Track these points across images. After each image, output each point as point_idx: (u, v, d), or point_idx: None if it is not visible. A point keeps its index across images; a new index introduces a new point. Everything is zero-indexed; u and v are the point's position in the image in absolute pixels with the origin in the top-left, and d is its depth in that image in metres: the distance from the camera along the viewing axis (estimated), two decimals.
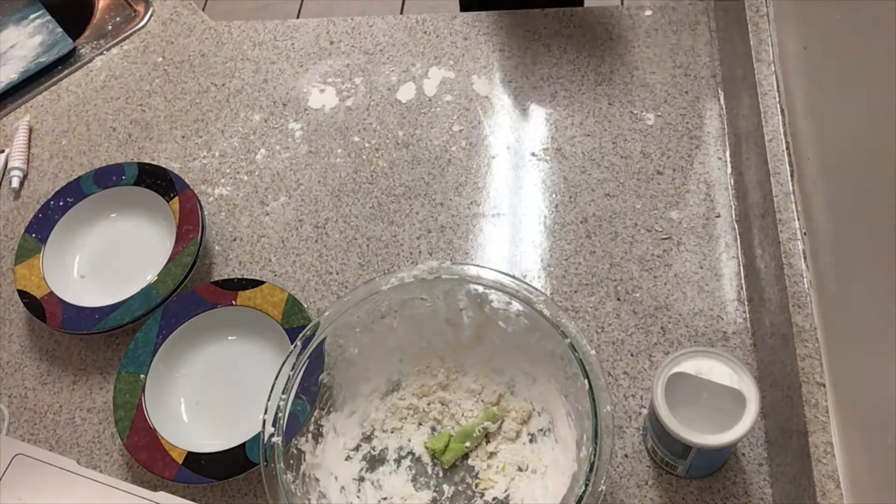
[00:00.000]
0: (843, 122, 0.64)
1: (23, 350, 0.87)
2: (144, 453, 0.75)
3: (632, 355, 0.79)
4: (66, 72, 1.06)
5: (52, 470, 0.76)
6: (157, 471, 0.74)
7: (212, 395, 0.81)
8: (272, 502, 0.64)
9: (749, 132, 0.81)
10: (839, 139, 0.66)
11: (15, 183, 0.97)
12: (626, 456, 0.74)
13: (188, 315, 0.82)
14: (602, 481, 0.61)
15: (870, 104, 0.59)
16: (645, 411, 0.75)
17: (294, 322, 0.80)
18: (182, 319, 0.82)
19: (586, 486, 0.61)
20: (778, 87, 0.79)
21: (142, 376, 0.79)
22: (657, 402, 0.65)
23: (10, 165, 0.98)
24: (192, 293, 0.83)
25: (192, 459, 0.74)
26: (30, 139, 1.01)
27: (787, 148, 0.75)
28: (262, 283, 0.82)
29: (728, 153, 0.88)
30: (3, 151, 1.00)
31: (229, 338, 0.83)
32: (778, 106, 0.77)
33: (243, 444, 0.74)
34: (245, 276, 0.86)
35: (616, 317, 0.81)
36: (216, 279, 0.85)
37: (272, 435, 0.67)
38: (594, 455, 0.62)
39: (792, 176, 0.74)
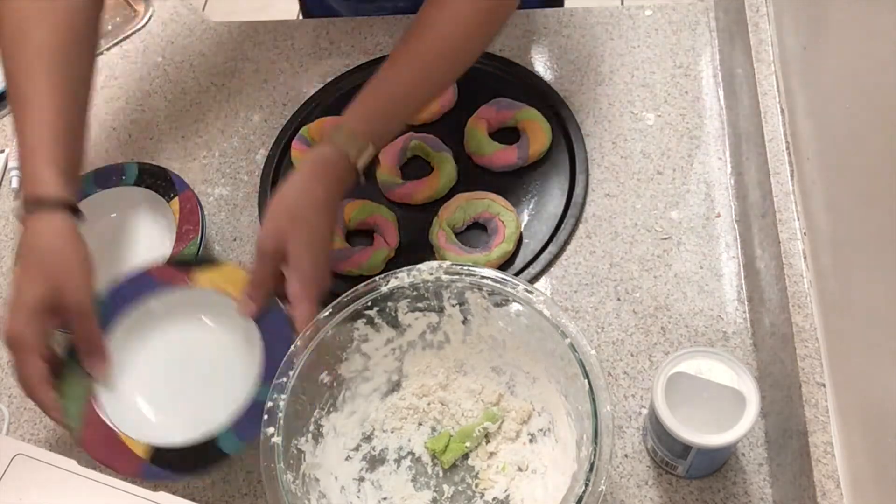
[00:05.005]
0: (843, 122, 0.64)
1: None
2: (104, 450, 0.70)
3: (632, 355, 0.79)
4: None
5: (52, 470, 0.76)
6: (120, 468, 0.69)
7: (174, 383, 0.76)
8: (272, 502, 0.64)
9: (749, 132, 0.81)
10: (839, 139, 0.66)
11: (15, 183, 0.97)
12: (626, 456, 0.74)
13: (139, 297, 0.76)
14: (602, 481, 0.61)
15: (870, 104, 0.59)
16: (645, 411, 0.76)
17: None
18: (132, 302, 0.76)
19: (586, 486, 0.61)
20: (778, 87, 0.79)
21: None
22: (657, 402, 0.65)
23: (10, 165, 0.98)
24: (143, 274, 0.77)
25: (158, 454, 0.70)
26: None
27: (787, 148, 0.75)
28: (220, 262, 0.79)
29: (728, 153, 0.89)
30: (3, 151, 1.00)
31: (189, 321, 0.77)
32: (778, 106, 0.77)
33: (214, 436, 0.70)
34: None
35: (616, 317, 0.81)
36: (170, 258, 0.81)
37: (272, 435, 0.67)
38: (594, 455, 0.62)
39: (792, 176, 0.74)
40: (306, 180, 0.73)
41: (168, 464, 0.69)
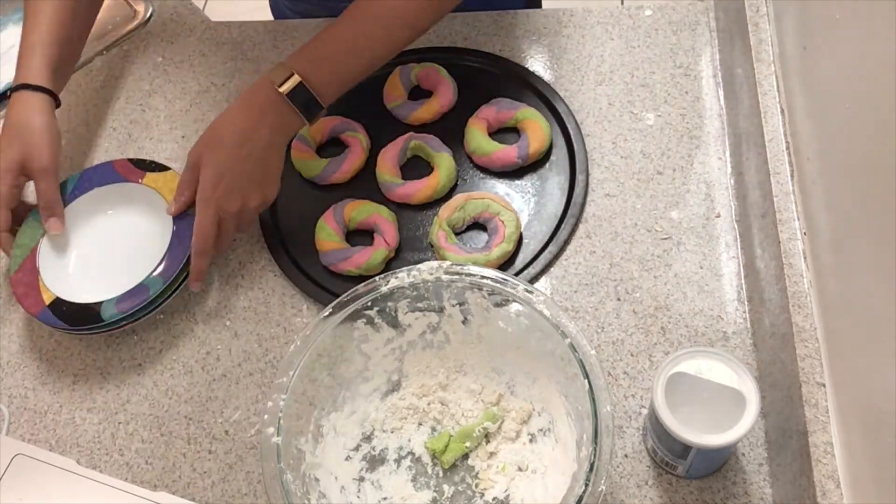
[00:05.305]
0: (843, 122, 0.64)
1: (23, 350, 0.87)
2: (22, 288, 0.84)
3: (632, 355, 0.79)
4: None
5: (52, 470, 0.76)
6: (27, 306, 0.83)
7: (100, 256, 0.88)
8: (272, 502, 0.64)
9: (749, 132, 0.81)
10: (839, 139, 0.66)
11: None
12: (626, 456, 0.74)
13: (101, 182, 0.90)
14: (602, 481, 0.61)
15: (870, 104, 0.59)
16: (645, 411, 0.76)
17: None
18: (95, 185, 0.90)
19: (586, 486, 0.61)
20: (778, 87, 0.79)
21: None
22: (657, 402, 0.65)
23: None
24: (109, 165, 0.91)
25: (57, 304, 0.82)
26: None
27: (787, 148, 0.75)
28: (167, 168, 0.90)
29: (728, 153, 0.89)
30: None
31: (128, 210, 0.90)
32: (778, 106, 0.77)
33: (99, 302, 0.82)
34: (156, 161, 0.91)
35: (616, 317, 0.81)
36: (132, 157, 0.92)
37: (272, 435, 0.67)
38: (594, 455, 0.62)
39: (792, 176, 0.74)
40: (234, 109, 0.81)
41: (61, 314, 0.82)
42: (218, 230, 0.82)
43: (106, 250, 0.88)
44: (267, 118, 0.80)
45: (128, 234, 0.89)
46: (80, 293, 0.84)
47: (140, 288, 0.82)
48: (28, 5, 0.90)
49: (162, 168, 0.90)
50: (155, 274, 0.83)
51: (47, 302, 0.82)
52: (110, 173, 0.90)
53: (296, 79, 0.79)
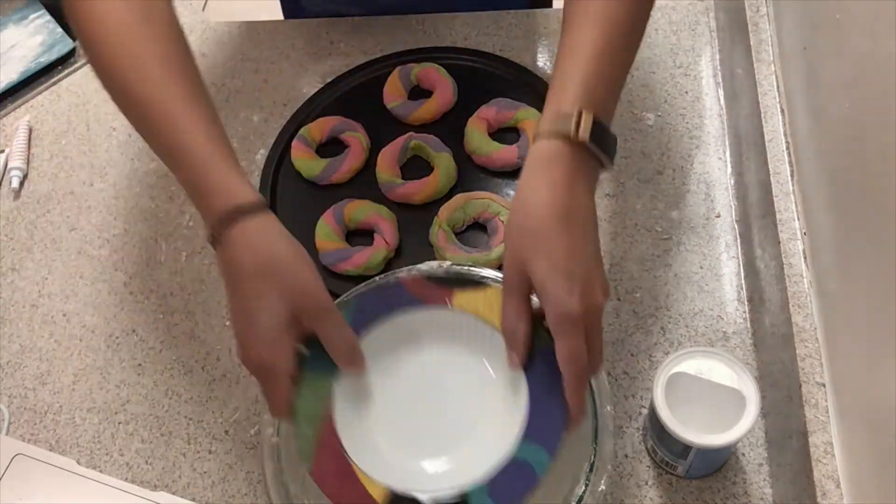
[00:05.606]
0: (843, 122, 0.64)
1: (23, 350, 0.87)
2: (335, 481, 0.57)
3: (632, 355, 0.79)
4: (66, 72, 1.06)
5: (52, 470, 0.76)
6: None
7: (415, 419, 0.63)
8: (272, 502, 0.64)
9: (749, 132, 0.81)
10: (839, 139, 0.66)
11: (15, 183, 0.97)
12: (626, 456, 0.74)
13: (390, 309, 0.64)
14: (602, 481, 0.61)
15: (870, 104, 0.59)
16: (645, 411, 0.76)
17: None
18: (381, 314, 0.64)
19: (586, 486, 0.61)
20: (778, 87, 0.79)
21: (332, 382, 0.60)
22: (657, 402, 0.65)
23: (10, 165, 0.98)
24: (398, 285, 0.65)
25: (396, 502, 0.56)
26: (30, 139, 1.01)
27: (787, 148, 0.75)
28: (484, 283, 0.65)
29: (728, 153, 0.89)
30: (2, 151, 1.00)
31: (438, 346, 0.64)
32: (778, 106, 0.77)
33: (465, 492, 0.56)
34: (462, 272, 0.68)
35: (616, 317, 0.81)
36: (425, 271, 0.68)
37: (272, 435, 0.66)
38: (594, 455, 0.62)
39: (792, 176, 0.74)
40: (531, 185, 0.60)
41: None
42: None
43: (416, 410, 0.63)
44: (576, 180, 0.59)
45: (442, 382, 0.64)
46: (411, 478, 0.59)
47: (517, 465, 0.56)
48: (151, 118, 0.69)
49: (475, 282, 0.64)
50: (529, 442, 0.57)
51: (381, 501, 0.56)
52: (402, 296, 0.64)
53: (587, 116, 0.59)
